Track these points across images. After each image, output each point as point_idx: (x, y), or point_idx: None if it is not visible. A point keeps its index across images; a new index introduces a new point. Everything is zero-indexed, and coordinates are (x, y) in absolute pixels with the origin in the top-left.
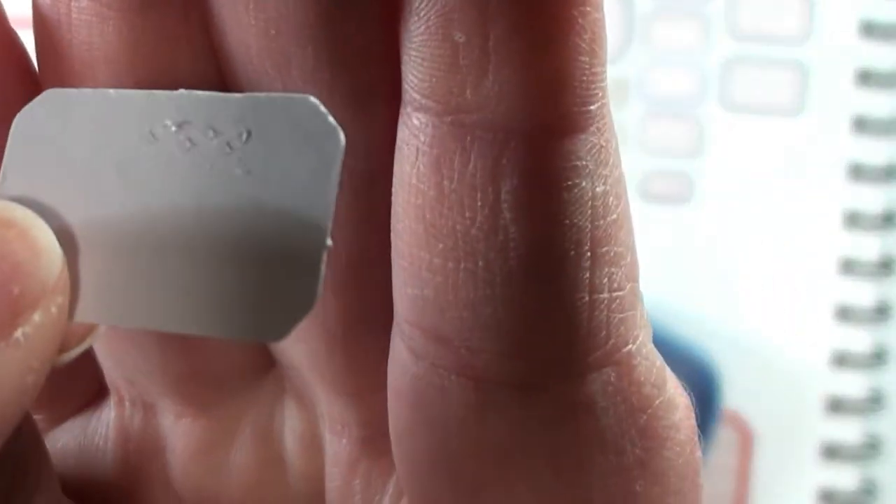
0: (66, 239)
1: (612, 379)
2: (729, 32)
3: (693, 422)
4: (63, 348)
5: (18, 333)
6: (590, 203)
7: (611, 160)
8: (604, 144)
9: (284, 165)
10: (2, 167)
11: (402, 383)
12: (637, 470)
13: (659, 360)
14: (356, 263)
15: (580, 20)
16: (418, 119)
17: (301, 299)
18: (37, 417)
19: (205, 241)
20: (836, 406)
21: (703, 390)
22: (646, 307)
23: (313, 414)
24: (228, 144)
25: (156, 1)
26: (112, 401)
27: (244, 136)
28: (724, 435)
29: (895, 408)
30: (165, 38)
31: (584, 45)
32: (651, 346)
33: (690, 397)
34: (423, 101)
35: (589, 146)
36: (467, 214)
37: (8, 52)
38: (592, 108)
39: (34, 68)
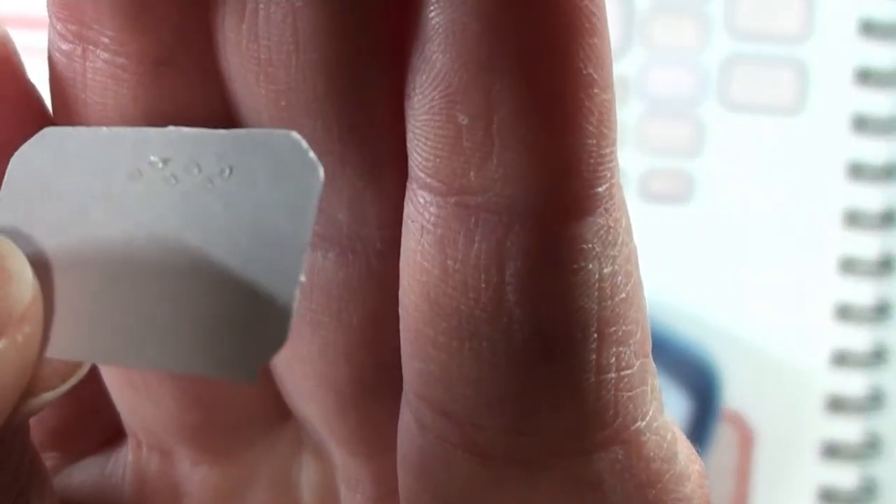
0: (44, 271)
1: (620, 457)
2: (728, 31)
3: (706, 489)
4: (46, 387)
5: None
6: (596, 285)
7: (619, 239)
8: (612, 225)
9: (262, 201)
10: None
11: (409, 451)
12: None
13: (671, 432)
14: (367, 329)
15: (587, 103)
16: (423, 197)
17: (272, 336)
18: (53, 454)
19: (182, 277)
20: (837, 405)
21: (704, 390)
22: (647, 309)
23: (330, 466)
24: (210, 180)
25: (171, 65)
26: (130, 444)
27: (226, 172)
28: (724, 434)
29: (895, 407)
30: (180, 102)
31: (591, 128)
32: (663, 418)
33: (701, 459)
34: (428, 181)
35: (596, 228)
36: (471, 295)
37: (26, 106)
38: (600, 189)
39: (52, 119)
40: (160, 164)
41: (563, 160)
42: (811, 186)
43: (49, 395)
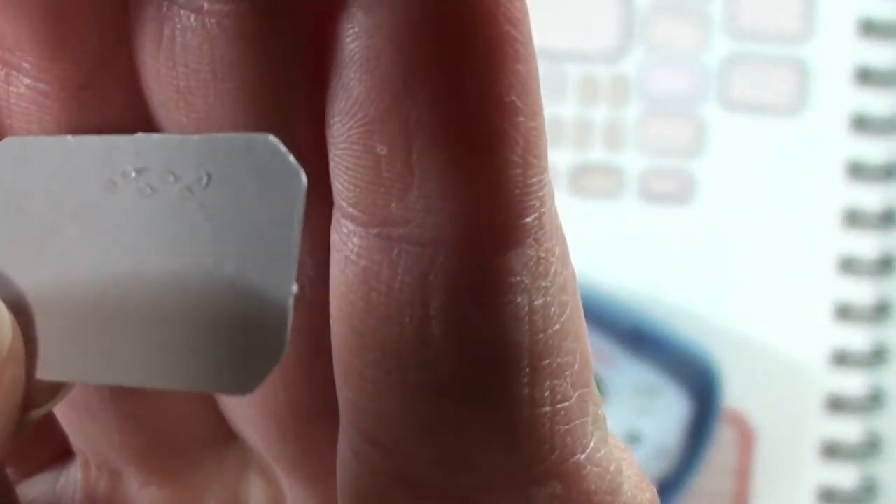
0: (20, 303)
1: (559, 492)
2: (728, 31)
3: None
4: (31, 406)
5: None
6: (527, 318)
7: (552, 269)
8: (543, 256)
9: (246, 210)
10: None
11: (345, 480)
12: None
13: (615, 462)
14: (303, 356)
15: (511, 132)
16: (346, 227)
17: (269, 349)
18: (8, 469)
19: (168, 292)
20: (836, 404)
21: (704, 389)
22: (646, 309)
23: (278, 487)
24: (189, 189)
25: (94, 90)
26: (79, 462)
27: (204, 179)
28: (724, 433)
29: (895, 406)
30: (105, 127)
31: (516, 157)
32: (607, 449)
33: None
34: (350, 210)
35: (525, 260)
36: (395, 329)
37: None
38: (528, 220)
39: None
40: (133, 174)
41: (485, 191)
42: (811, 186)
43: (37, 413)
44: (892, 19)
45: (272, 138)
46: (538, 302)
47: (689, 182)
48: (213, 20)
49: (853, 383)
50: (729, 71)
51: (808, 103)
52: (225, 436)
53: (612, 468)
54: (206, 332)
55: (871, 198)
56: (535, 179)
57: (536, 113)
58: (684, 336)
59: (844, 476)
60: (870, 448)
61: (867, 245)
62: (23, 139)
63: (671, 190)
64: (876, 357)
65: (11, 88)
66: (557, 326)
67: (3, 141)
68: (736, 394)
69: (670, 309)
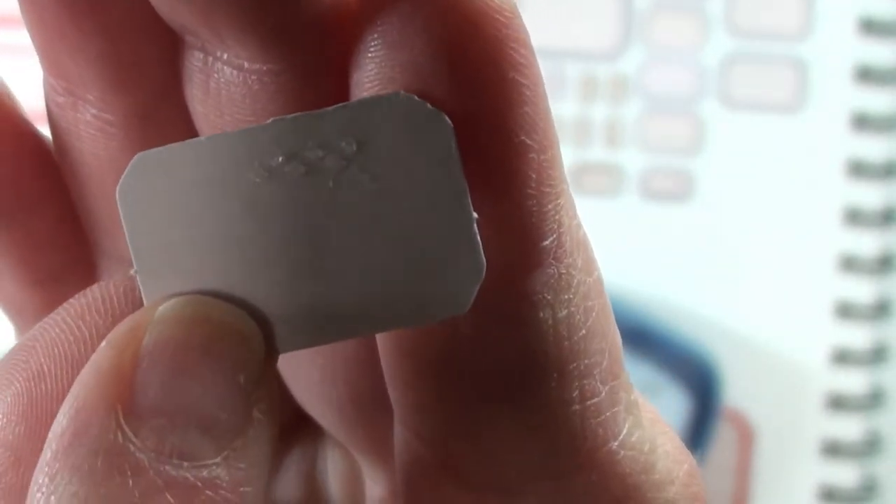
0: (248, 305)
1: (594, 478)
2: (728, 29)
3: (697, 487)
4: None
5: (256, 413)
6: (551, 330)
7: (574, 281)
8: (563, 272)
9: (405, 160)
10: (128, 245)
11: (400, 466)
12: None
13: (648, 443)
14: (362, 353)
15: (523, 168)
16: None
17: (470, 270)
18: None
19: (361, 249)
20: (837, 403)
21: (704, 388)
22: (645, 308)
23: (353, 457)
24: (343, 158)
25: (155, 120)
26: None
27: (353, 145)
28: (724, 432)
29: (895, 405)
30: None
31: (530, 191)
32: (639, 431)
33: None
34: None
35: (545, 278)
36: (432, 344)
37: (29, 146)
38: (546, 243)
39: (52, 152)
40: (282, 159)
41: (504, 226)
42: (811, 184)
43: None
44: (892, 17)
45: (403, 93)
46: (562, 314)
47: (689, 180)
48: (253, 77)
49: (853, 382)
50: (729, 69)
51: (807, 102)
52: (301, 415)
53: (645, 448)
54: (408, 275)
55: (872, 196)
56: (550, 206)
57: (547, 146)
58: (684, 335)
59: (845, 475)
60: (870, 447)
61: (867, 243)
62: (157, 151)
63: (671, 188)
64: (876, 356)
65: (79, 115)
66: (583, 331)
67: (137, 158)
68: (736, 392)
69: (670, 308)
